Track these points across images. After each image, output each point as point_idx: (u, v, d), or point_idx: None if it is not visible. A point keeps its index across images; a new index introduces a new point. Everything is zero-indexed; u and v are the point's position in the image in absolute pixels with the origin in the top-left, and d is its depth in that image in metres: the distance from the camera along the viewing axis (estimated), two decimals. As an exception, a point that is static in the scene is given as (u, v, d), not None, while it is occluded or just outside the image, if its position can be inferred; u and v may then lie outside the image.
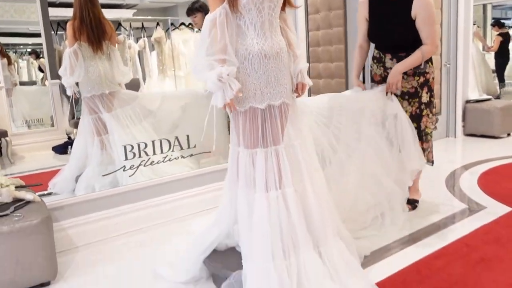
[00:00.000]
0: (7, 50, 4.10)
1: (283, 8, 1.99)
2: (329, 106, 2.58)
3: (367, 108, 2.68)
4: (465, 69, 5.22)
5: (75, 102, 3.66)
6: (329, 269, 1.91)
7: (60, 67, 3.69)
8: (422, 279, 2.07)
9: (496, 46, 6.67)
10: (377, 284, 1.97)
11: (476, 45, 6.49)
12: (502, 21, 6.85)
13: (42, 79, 4.07)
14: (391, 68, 2.77)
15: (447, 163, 4.16)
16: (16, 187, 2.61)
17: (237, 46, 1.89)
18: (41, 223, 2.15)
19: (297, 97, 2.08)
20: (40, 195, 2.53)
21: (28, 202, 2.34)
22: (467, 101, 5.31)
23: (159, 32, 4.98)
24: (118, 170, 3.00)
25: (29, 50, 4.39)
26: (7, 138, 3.84)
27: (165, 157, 3.09)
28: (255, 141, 1.92)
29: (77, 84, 3.42)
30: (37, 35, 3.85)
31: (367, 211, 2.63)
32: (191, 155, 3.21)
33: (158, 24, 4.95)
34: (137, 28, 4.89)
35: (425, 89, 2.81)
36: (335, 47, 4.52)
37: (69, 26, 3.40)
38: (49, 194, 2.60)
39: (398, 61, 2.75)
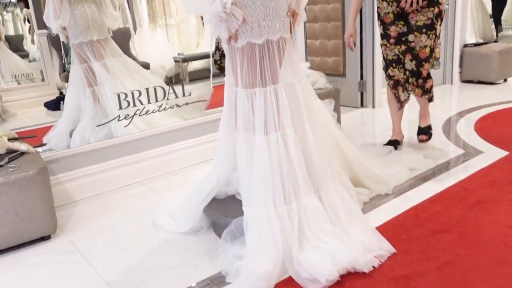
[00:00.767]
0: None
1: None
2: None
3: None
4: (464, 12, 5.09)
5: (65, 53, 3.53)
6: (329, 214, 1.92)
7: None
8: (421, 222, 2.10)
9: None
10: (377, 228, 1.99)
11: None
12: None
13: (29, 30, 3.90)
14: (406, 2, 2.65)
15: (443, 110, 4.14)
16: (9, 139, 2.56)
17: None
18: (37, 174, 2.11)
19: (290, 29, 1.93)
20: (35, 147, 2.48)
21: (23, 153, 2.30)
22: (465, 45, 5.21)
23: (149, -24, 4.75)
24: (112, 120, 2.94)
25: (13, 0, 4.19)
26: None
27: (160, 106, 3.02)
28: (253, 80, 1.86)
29: (65, 29, 3.28)
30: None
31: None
32: (187, 103, 3.14)
33: None
34: None
35: (439, 21, 2.77)
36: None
37: (53, -33, 3.21)
38: (44, 145, 2.53)
39: None
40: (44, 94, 4.11)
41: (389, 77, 3.00)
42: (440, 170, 2.73)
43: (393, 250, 1.83)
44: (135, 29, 4.54)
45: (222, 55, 3.52)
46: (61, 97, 4.08)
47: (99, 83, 3.31)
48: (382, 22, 2.87)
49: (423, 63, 2.80)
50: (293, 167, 1.85)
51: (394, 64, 2.90)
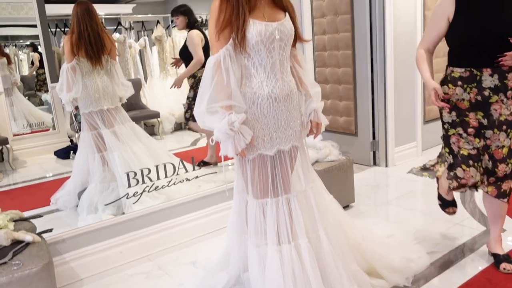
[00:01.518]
0: (6, 45, 4.03)
1: (293, 45, 1.84)
2: None
3: None
4: None
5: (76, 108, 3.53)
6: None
7: (59, 68, 3.55)
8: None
9: None
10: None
11: None
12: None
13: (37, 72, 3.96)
14: (490, 89, 2.11)
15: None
16: (15, 221, 2.51)
17: (244, 89, 1.75)
18: (41, 270, 2.03)
19: (314, 138, 1.95)
20: (39, 233, 2.41)
21: (28, 244, 2.23)
22: None
23: (159, 30, 4.82)
24: (121, 198, 2.89)
25: (27, 43, 4.30)
26: (8, 146, 3.77)
27: (169, 181, 2.97)
28: (264, 191, 1.81)
29: (75, 99, 3.29)
30: (35, 35, 3.73)
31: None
32: (197, 177, 3.08)
33: (158, 22, 4.80)
34: (137, 22, 4.74)
35: None
36: (342, 53, 4.34)
37: (66, 41, 3.26)
38: (50, 230, 2.46)
39: (500, 78, 2.09)
40: (54, 141, 4.12)
41: (455, 177, 2.30)
42: (462, 253, 2.59)
43: None
44: (145, 79, 4.59)
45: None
46: (71, 147, 4.07)
47: (108, 148, 3.29)
48: (455, 107, 2.24)
49: (498, 163, 2.22)
50: (308, 277, 1.77)
51: (470, 162, 2.24)
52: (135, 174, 2.87)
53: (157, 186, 2.91)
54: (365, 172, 4.26)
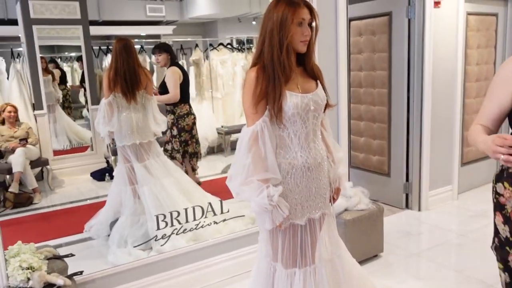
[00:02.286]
0: (52, 57, 4.30)
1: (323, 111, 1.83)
2: None
3: None
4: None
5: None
6: None
7: (100, 91, 3.61)
8: None
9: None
10: None
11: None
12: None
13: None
14: None
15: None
16: (49, 259, 2.56)
17: (279, 160, 1.73)
18: (68, 319, 2.07)
19: (332, 203, 1.93)
20: (70, 275, 2.45)
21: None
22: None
23: (197, 54, 4.88)
24: (150, 240, 2.91)
25: (72, 55, 4.56)
26: (48, 167, 3.93)
27: (197, 224, 2.97)
28: (293, 260, 1.80)
29: (112, 133, 3.36)
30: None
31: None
32: (224, 220, 3.08)
33: (196, 45, 4.86)
34: (176, 41, 4.82)
35: None
36: (378, 90, 4.27)
37: (105, 76, 3.34)
38: (80, 272, 2.50)
39: None
40: (91, 162, 4.24)
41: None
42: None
43: None
44: (181, 102, 4.61)
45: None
46: (107, 169, 4.17)
47: (138, 182, 3.33)
48: (509, 221, 1.58)
49: None
50: None
51: None
52: (164, 216, 2.88)
53: (185, 229, 2.92)
54: (396, 215, 4.14)
